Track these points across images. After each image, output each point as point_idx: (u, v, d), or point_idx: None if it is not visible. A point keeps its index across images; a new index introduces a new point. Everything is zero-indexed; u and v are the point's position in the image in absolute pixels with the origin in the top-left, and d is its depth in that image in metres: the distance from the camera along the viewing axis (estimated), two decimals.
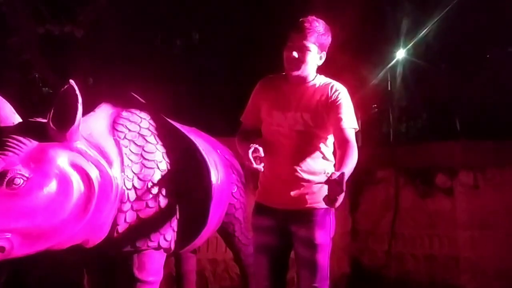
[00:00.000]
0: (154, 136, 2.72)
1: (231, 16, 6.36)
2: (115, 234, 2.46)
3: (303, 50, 2.49)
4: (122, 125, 2.64)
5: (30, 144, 2.14)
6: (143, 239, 2.54)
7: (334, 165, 2.51)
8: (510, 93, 5.68)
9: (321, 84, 2.57)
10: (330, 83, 2.58)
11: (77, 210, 2.19)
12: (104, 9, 5.95)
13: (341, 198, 2.17)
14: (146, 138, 2.67)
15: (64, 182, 2.15)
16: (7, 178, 2.03)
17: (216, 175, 2.95)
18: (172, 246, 2.67)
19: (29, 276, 4.35)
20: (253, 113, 2.68)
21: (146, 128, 2.72)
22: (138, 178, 2.52)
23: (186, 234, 2.77)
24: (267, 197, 2.62)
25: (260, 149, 2.37)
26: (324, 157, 2.56)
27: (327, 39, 2.55)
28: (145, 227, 2.54)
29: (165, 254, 2.69)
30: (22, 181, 2.05)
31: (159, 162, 2.62)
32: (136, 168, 2.53)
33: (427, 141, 5.77)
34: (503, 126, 5.51)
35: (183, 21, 6.47)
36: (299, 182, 2.50)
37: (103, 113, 2.67)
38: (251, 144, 2.37)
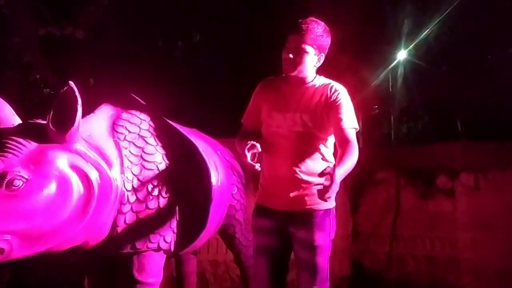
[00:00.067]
0: (154, 137, 2.71)
1: (232, 16, 6.36)
2: (115, 236, 2.45)
3: (300, 52, 2.49)
4: (122, 126, 2.64)
5: (30, 145, 2.14)
6: (143, 240, 2.53)
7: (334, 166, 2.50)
8: (511, 94, 5.67)
9: (320, 85, 2.57)
10: (330, 83, 2.58)
11: (76, 212, 2.19)
12: (105, 11, 5.95)
13: (331, 192, 2.14)
14: (146, 139, 2.67)
15: (64, 184, 2.15)
16: (6, 180, 2.03)
17: (216, 177, 2.95)
18: (172, 248, 2.67)
19: (30, 277, 4.35)
20: (254, 114, 2.69)
21: (146, 130, 2.71)
22: (138, 179, 2.51)
23: (186, 235, 2.76)
24: (267, 198, 2.61)
25: (257, 145, 2.37)
26: (324, 158, 2.56)
27: (326, 41, 2.55)
28: (145, 229, 2.54)
29: (165, 255, 2.68)
30: (21, 182, 2.05)
31: (159, 164, 2.62)
32: (136, 170, 2.53)
33: (428, 142, 5.77)
34: (504, 127, 5.51)
35: (183, 22, 6.47)
36: (299, 183, 2.50)
37: (103, 115, 2.66)
38: (248, 141, 2.37)
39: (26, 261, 2.26)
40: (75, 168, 2.20)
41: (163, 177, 2.61)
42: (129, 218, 2.47)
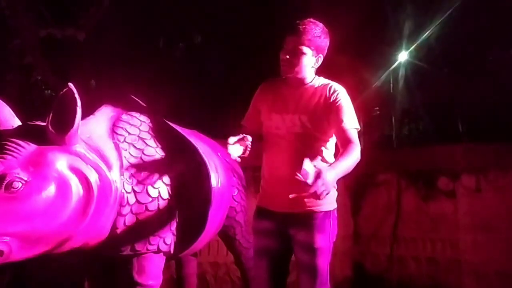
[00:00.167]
0: (154, 139, 2.71)
1: (233, 18, 6.36)
2: (114, 238, 2.45)
3: (297, 53, 2.49)
4: (122, 128, 2.64)
5: (29, 147, 2.14)
6: (143, 242, 2.53)
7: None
8: None
9: (319, 86, 2.57)
10: (328, 84, 2.58)
11: (76, 214, 2.18)
12: (106, 12, 5.96)
13: (318, 187, 2.12)
14: (146, 141, 2.67)
15: (63, 186, 2.15)
16: (5, 182, 2.03)
17: (216, 178, 2.94)
18: (172, 250, 2.66)
19: (30, 279, 4.34)
20: (253, 116, 2.70)
21: (146, 131, 2.71)
22: (138, 181, 2.51)
23: (186, 237, 2.76)
24: (267, 200, 2.61)
25: (249, 138, 2.38)
26: (324, 160, 2.55)
27: (324, 42, 2.55)
28: (145, 231, 2.53)
29: (165, 257, 2.68)
30: (20, 184, 2.05)
31: (159, 166, 2.61)
32: (136, 171, 2.52)
33: (429, 144, 5.76)
34: (506, 128, 5.49)
35: (184, 23, 6.47)
36: (298, 185, 2.49)
37: (103, 116, 2.67)
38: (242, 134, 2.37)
39: (25, 263, 2.26)
40: (74, 170, 2.20)
41: (163, 179, 2.60)
42: (129, 220, 2.47)
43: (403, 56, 6.44)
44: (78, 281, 2.99)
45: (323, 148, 2.55)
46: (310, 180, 2.12)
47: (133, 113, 2.77)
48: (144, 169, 2.56)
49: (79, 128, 2.23)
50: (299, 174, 2.14)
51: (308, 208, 2.50)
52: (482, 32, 6.07)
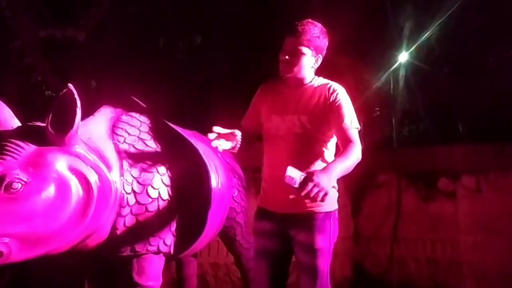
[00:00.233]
0: (153, 140, 2.71)
1: (234, 19, 6.36)
2: (114, 239, 2.44)
3: (296, 53, 2.50)
4: (122, 129, 2.63)
5: (29, 148, 2.13)
6: (143, 243, 2.53)
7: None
8: None
9: (318, 86, 2.58)
10: (328, 83, 2.58)
11: (75, 215, 2.18)
12: (106, 13, 5.96)
13: (308, 190, 2.15)
14: (145, 142, 2.66)
15: (63, 187, 2.14)
16: (5, 183, 2.02)
17: (216, 179, 2.94)
18: (172, 251, 2.66)
19: (30, 280, 4.34)
20: (253, 117, 2.70)
21: (146, 132, 2.71)
22: (138, 182, 2.50)
23: (186, 238, 2.76)
24: (268, 201, 2.61)
25: (238, 133, 2.42)
26: (324, 160, 2.55)
27: (322, 42, 2.55)
28: (145, 232, 2.53)
29: (165, 258, 2.67)
30: (20, 185, 2.04)
31: (159, 166, 2.61)
32: (136, 172, 2.52)
33: (429, 145, 5.76)
34: (506, 129, 5.49)
35: (185, 24, 6.47)
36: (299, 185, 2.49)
37: (102, 117, 2.66)
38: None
39: (25, 264, 2.25)
40: (74, 170, 2.19)
41: (163, 180, 2.60)
42: (129, 221, 2.46)
43: (403, 57, 6.43)
44: (78, 282, 2.98)
45: (323, 149, 2.55)
46: (297, 185, 2.17)
47: (133, 114, 2.77)
48: (144, 170, 2.55)
49: (79, 129, 2.23)
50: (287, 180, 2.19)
51: (309, 209, 2.49)
52: (482, 33, 6.07)
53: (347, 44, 4.98)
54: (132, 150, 2.58)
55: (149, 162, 2.59)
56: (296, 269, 2.62)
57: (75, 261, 2.55)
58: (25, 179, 2.06)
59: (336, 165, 2.32)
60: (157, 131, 2.77)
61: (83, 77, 5.60)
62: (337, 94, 2.52)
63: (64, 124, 2.16)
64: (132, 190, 2.47)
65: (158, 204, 2.55)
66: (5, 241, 2.01)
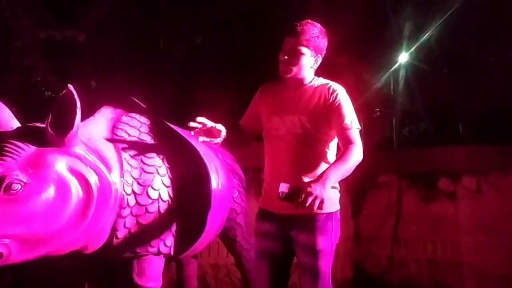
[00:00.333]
0: (154, 140, 2.70)
1: (234, 19, 6.35)
2: (115, 240, 2.44)
3: (296, 54, 2.50)
4: (122, 129, 2.63)
5: (28, 149, 2.12)
6: (143, 244, 2.52)
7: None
8: None
9: (318, 86, 2.57)
10: (328, 83, 2.57)
11: (75, 216, 2.17)
12: (106, 14, 5.95)
13: (303, 200, 2.20)
14: (146, 143, 2.65)
15: (63, 188, 2.13)
16: (4, 184, 2.01)
17: (217, 180, 2.93)
18: (172, 251, 2.66)
19: (30, 281, 4.34)
20: (251, 117, 2.71)
21: (146, 133, 2.71)
22: (138, 183, 2.50)
23: (186, 239, 2.75)
24: (269, 202, 2.60)
25: (223, 129, 2.48)
26: (325, 161, 2.55)
27: (322, 42, 2.55)
28: (145, 233, 2.52)
29: (165, 259, 2.67)
30: (20, 186, 2.03)
31: (159, 167, 2.61)
32: (136, 173, 2.51)
33: (430, 145, 5.75)
34: (506, 130, 5.48)
35: (185, 25, 6.46)
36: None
37: (102, 118, 2.66)
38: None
39: (25, 265, 2.25)
40: (74, 171, 2.19)
41: (163, 181, 2.60)
42: (129, 222, 2.46)
43: (403, 57, 6.44)
44: (78, 283, 2.98)
45: (324, 149, 2.55)
46: (287, 190, 2.25)
47: (133, 115, 2.76)
48: (144, 171, 2.55)
49: (79, 130, 2.22)
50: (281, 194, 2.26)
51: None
52: (483, 33, 6.07)
53: (347, 44, 4.97)
54: (132, 151, 2.57)
55: (149, 163, 2.58)
56: (296, 270, 2.61)
57: (75, 262, 2.54)
58: (24, 180, 2.05)
59: (331, 171, 2.33)
60: (157, 132, 2.76)
61: (83, 78, 5.59)
62: (337, 94, 2.52)
63: (64, 125, 2.15)
64: (132, 191, 2.47)
65: (159, 205, 2.54)
66: (5, 242, 2.00)
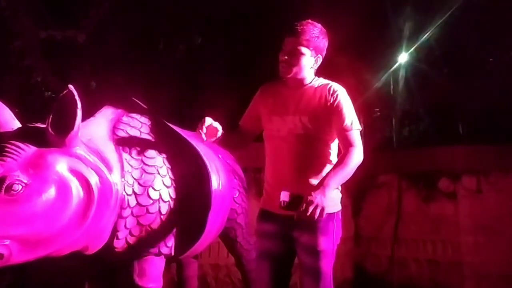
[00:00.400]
0: (154, 141, 2.70)
1: (234, 20, 6.35)
2: (115, 241, 2.43)
3: (296, 54, 2.50)
4: (123, 130, 2.62)
5: (29, 149, 2.12)
6: (144, 245, 2.52)
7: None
8: None
9: (319, 86, 2.57)
10: (328, 84, 2.57)
11: (76, 217, 2.17)
12: (106, 14, 5.95)
13: (304, 211, 2.25)
14: (146, 143, 2.65)
15: (63, 188, 2.13)
16: (5, 184, 2.00)
17: (217, 180, 2.93)
18: (173, 252, 2.65)
19: (31, 282, 4.33)
20: (251, 118, 2.71)
21: (146, 133, 2.70)
22: (139, 183, 2.50)
23: (187, 239, 2.75)
24: (270, 202, 2.60)
25: (219, 126, 2.50)
26: (326, 161, 2.55)
27: (322, 42, 2.55)
28: (146, 233, 2.52)
29: (165, 260, 2.67)
30: (20, 187, 2.03)
31: (160, 168, 2.60)
32: (137, 174, 2.51)
33: (430, 145, 5.75)
34: (506, 130, 5.49)
35: (185, 25, 6.46)
36: (301, 186, 2.48)
37: (103, 118, 2.65)
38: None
39: (26, 266, 2.25)
40: (74, 172, 2.18)
41: (164, 181, 2.59)
42: (130, 222, 2.46)
43: (403, 57, 6.44)
44: (78, 283, 2.98)
45: (325, 149, 2.55)
46: (288, 199, 2.30)
47: (134, 115, 2.76)
48: (145, 171, 2.54)
49: (80, 130, 2.22)
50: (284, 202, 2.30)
51: None
52: (483, 33, 6.07)
53: (347, 44, 4.97)
54: (133, 151, 2.57)
55: (150, 164, 2.58)
56: (297, 270, 2.61)
57: (75, 262, 2.54)
58: (25, 181, 2.04)
59: (331, 178, 2.36)
60: (158, 132, 2.76)
61: (83, 78, 5.59)
62: (337, 95, 2.52)
63: (65, 126, 2.15)
64: (133, 191, 2.46)
65: (159, 206, 2.53)
66: (5, 243, 1.99)
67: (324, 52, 2.59)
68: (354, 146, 2.46)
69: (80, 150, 2.25)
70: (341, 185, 2.60)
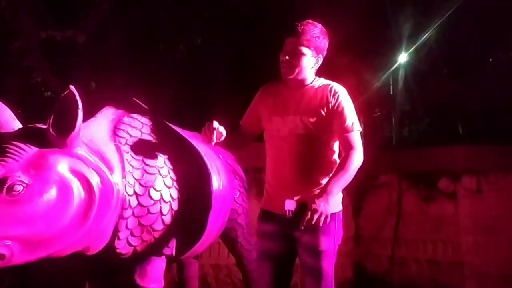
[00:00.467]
0: (155, 141, 2.70)
1: (234, 20, 6.35)
2: (116, 241, 2.43)
3: (297, 54, 2.50)
4: (124, 130, 2.62)
5: (30, 150, 2.11)
6: (145, 245, 2.52)
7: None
8: None
9: (320, 86, 2.57)
10: (329, 84, 2.57)
11: (77, 217, 2.17)
12: (106, 14, 5.95)
13: (309, 219, 2.33)
14: (147, 143, 2.65)
15: (65, 189, 2.13)
16: (7, 185, 2.00)
17: (218, 181, 2.93)
18: (174, 252, 2.65)
19: (32, 282, 4.34)
20: (251, 118, 2.71)
21: (147, 134, 2.70)
22: (140, 184, 2.49)
23: (187, 240, 2.75)
24: (272, 203, 2.60)
25: (222, 129, 2.49)
26: (327, 161, 2.55)
27: (323, 42, 2.55)
28: (147, 234, 2.52)
29: (166, 260, 2.67)
30: (22, 187, 2.03)
31: (161, 168, 2.60)
32: (138, 174, 2.51)
33: (430, 146, 5.76)
34: (506, 130, 5.49)
35: (185, 25, 6.46)
36: (302, 187, 2.49)
37: (104, 119, 2.65)
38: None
39: (27, 267, 2.25)
40: (76, 172, 2.18)
41: (165, 182, 2.59)
42: (131, 223, 2.46)
43: (403, 58, 6.44)
44: (79, 284, 2.98)
45: (327, 149, 2.55)
46: (293, 208, 2.40)
47: (135, 116, 2.75)
48: (146, 172, 2.54)
49: (81, 131, 2.22)
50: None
51: None
52: (482, 33, 6.07)
53: (347, 44, 4.97)
54: (134, 152, 2.57)
55: (151, 164, 2.58)
56: (298, 270, 2.61)
57: (76, 263, 2.54)
58: (26, 181, 2.04)
59: (333, 185, 2.39)
60: (159, 133, 2.76)
61: (84, 78, 5.59)
62: (338, 96, 2.52)
63: (66, 126, 2.14)
64: (134, 192, 2.46)
65: (160, 206, 2.53)
66: (7, 243, 1.99)
67: (325, 52, 2.59)
68: (354, 148, 2.46)
69: (81, 151, 2.25)
70: None
